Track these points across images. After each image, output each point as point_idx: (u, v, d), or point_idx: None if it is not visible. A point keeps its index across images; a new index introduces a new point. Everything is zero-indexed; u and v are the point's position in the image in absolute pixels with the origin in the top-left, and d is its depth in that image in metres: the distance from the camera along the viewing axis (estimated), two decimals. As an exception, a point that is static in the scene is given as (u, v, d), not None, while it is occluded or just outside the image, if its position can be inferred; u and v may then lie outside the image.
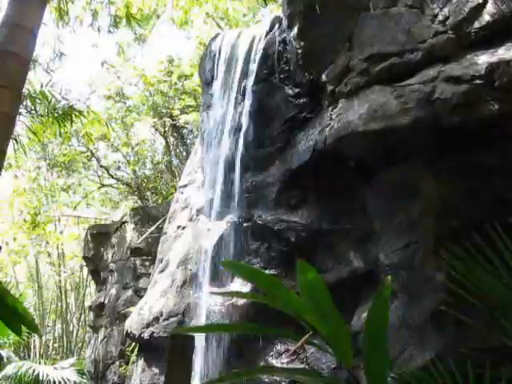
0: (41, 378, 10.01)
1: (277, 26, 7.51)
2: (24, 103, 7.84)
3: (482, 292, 4.25)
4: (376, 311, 2.72)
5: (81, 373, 11.42)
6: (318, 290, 2.73)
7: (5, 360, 10.24)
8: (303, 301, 2.75)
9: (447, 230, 5.05)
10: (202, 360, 6.45)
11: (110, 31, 10.50)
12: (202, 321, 6.67)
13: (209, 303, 6.66)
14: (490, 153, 4.92)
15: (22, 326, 3.00)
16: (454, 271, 4.23)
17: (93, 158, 17.01)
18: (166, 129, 16.14)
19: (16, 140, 8.10)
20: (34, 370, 10.10)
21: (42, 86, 8.07)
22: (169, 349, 2.25)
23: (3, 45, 3.55)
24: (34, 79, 9.26)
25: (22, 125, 8.78)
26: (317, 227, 6.32)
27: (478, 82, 4.72)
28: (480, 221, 4.73)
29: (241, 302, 6.40)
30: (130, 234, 13.19)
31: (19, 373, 9.89)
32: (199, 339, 6.48)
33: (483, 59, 4.75)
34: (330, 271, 5.99)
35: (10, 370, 9.98)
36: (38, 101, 8.07)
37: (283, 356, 6.04)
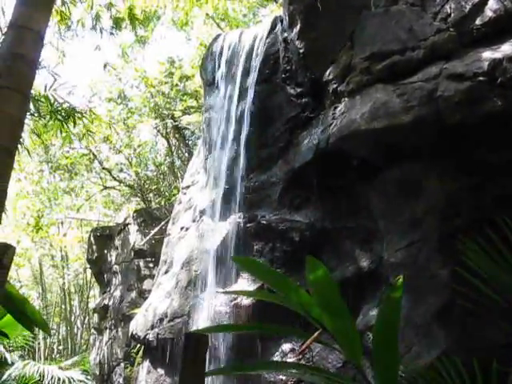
0: (46, 376, 10.04)
1: (278, 25, 7.51)
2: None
3: (494, 285, 4.25)
4: (387, 311, 2.72)
5: (85, 373, 11.44)
6: (328, 287, 2.73)
7: (9, 362, 10.24)
8: (313, 298, 2.74)
9: (451, 228, 5.04)
10: (206, 361, 6.43)
11: (111, 33, 10.50)
12: (206, 322, 6.66)
13: (214, 304, 6.65)
14: (492, 150, 4.90)
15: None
16: (467, 263, 4.23)
17: (95, 161, 17.02)
18: (168, 130, 16.15)
19: (19, 142, 8.09)
20: (38, 368, 10.13)
21: (45, 89, 8.05)
22: (183, 348, 2.25)
23: (11, 47, 3.54)
24: (37, 81, 9.27)
25: (25, 127, 8.79)
26: (320, 227, 6.31)
27: (480, 78, 4.71)
28: (484, 219, 4.73)
29: (245, 302, 6.38)
30: (134, 236, 13.22)
31: (25, 373, 9.92)
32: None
33: (486, 56, 4.74)
34: (334, 270, 5.97)
35: (14, 370, 10.00)
36: (41, 103, 8.06)
37: (289, 356, 6.03)
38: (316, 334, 2.78)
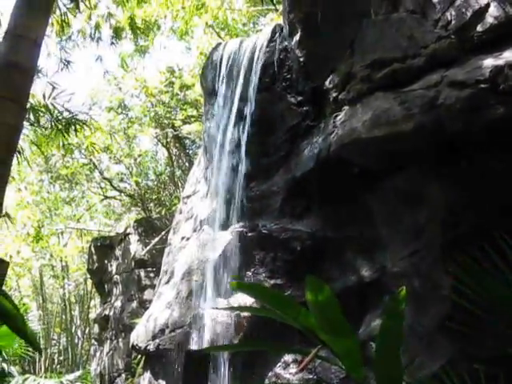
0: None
1: (278, 34, 7.49)
2: (26, 115, 7.82)
3: (490, 300, 4.22)
4: (389, 323, 2.66)
5: (86, 387, 11.34)
6: (328, 305, 2.68)
7: (6, 373, 10.13)
8: (312, 315, 2.70)
9: (454, 237, 5.00)
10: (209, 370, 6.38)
11: (112, 43, 10.50)
12: (207, 332, 6.61)
13: (214, 314, 6.60)
14: (494, 157, 4.87)
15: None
16: (461, 281, 4.21)
17: (95, 170, 17.00)
18: (169, 140, 16.14)
19: (19, 152, 8.08)
20: None
21: (44, 98, 8.03)
22: (183, 365, 2.20)
23: (7, 56, 3.51)
24: (37, 90, 9.28)
25: (25, 137, 8.79)
26: (322, 235, 6.27)
27: (482, 86, 4.68)
28: (487, 227, 4.70)
29: (246, 312, 6.34)
30: (134, 246, 13.18)
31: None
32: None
33: (487, 63, 4.71)
34: (336, 280, 5.93)
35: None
36: (41, 113, 8.04)
37: (291, 366, 5.98)
38: (315, 352, 2.73)
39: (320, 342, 2.77)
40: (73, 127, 8.28)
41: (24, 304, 12.89)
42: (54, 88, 8.13)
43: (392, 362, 2.71)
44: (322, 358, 2.96)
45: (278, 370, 6.05)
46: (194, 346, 6.52)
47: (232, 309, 6.50)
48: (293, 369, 5.95)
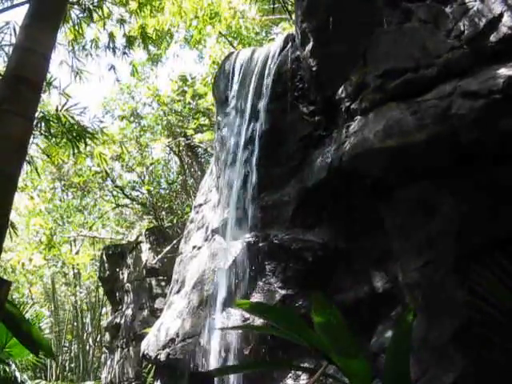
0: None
1: (290, 43, 7.49)
2: (38, 125, 7.87)
3: (504, 310, 4.18)
4: (398, 337, 2.64)
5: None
6: (334, 324, 2.66)
7: (19, 381, 10.14)
8: (319, 334, 2.68)
9: (467, 248, 4.95)
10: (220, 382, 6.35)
11: (124, 53, 10.54)
12: (217, 342, 6.59)
13: (225, 324, 6.57)
14: (508, 169, 4.82)
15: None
16: (477, 290, 4.16)
17: (108, 179, 17.05)
18: (181, 148, 16.17)
19: (29, 162, 8.13)
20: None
21: (57, 110, 8.07)
22: (192, 376, 2.19)
23: (15, 69, 3.50)
24: (49, 101, 9.33)
25: (36, 146, 8.85)
26: (334, 246, 6.24)
27: (496, 96, 4.64)
28: (501, 238, 4.65)
29: (257, 322, 6.31)
30: (146, 254, 13.20)
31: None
32: (214, 360, 6.42)
33: (501, 73, 4.68)
34: (348, 290, 5.90)
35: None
36: (53, 123, 8.07)
37: (301, 378, 5.94)
38: (321, 369, 2.71)
39: (328, 361, 2.75)
40: (83, 140, 8.32)
41: (35, 311, 12.89)
42: (67, 100, 8.18)
43: (401, 375, 2.68)
44: (330, 376, 2.94)
45: (289, 381, 6.01)
46: (203, 357, 6.51)
47: (241, 328, 6.48)
48: (303, 380, 5.91)
